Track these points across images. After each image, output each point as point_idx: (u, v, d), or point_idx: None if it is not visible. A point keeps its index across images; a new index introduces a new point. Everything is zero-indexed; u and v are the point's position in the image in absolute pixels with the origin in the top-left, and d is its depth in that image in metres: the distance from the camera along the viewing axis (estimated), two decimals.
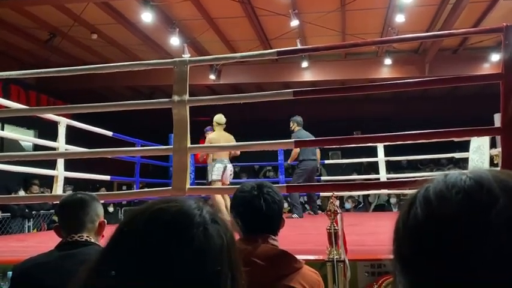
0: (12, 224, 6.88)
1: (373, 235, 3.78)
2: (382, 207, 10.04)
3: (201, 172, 8.51)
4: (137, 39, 8.73)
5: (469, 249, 0.49)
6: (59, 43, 8.64)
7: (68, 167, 4.88)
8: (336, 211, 2.09)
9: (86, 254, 1.60)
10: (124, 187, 11.35)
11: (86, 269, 0.67)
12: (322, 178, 8.41)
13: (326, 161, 8.87)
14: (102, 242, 1.71)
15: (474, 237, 0.50)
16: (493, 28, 3.08)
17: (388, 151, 6.54)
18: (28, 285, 1.62)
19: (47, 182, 7.10)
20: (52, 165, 4.67)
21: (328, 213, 2.10)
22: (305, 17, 7.70)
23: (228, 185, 5.72)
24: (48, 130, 6.37)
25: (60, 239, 1.76)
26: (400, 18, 7.18)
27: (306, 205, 7.73)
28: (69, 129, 4.96)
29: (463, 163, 6.93)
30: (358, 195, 9.87)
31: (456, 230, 0.50)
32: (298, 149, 6.37)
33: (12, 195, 6.70)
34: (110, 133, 5.98)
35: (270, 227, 1.56)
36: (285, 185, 4.39)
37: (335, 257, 2.00)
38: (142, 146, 7.16)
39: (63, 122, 4.83)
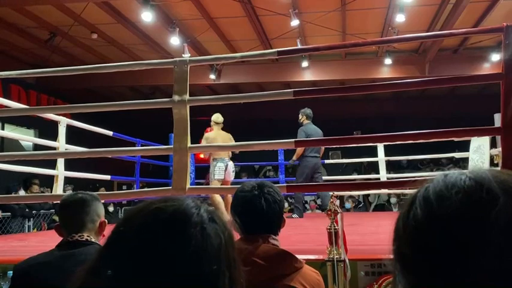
0: (12, 223, 6.88)
1: (374, 235, 3.79)
2: (382, 207, 10.05)
3: (201, 172, 8.53)
4: (137, 38, 8.73)
5: (469, 249, 0.50)
6: (59, 43, 8.64)
7: (68, 167, 4.89)
8: (336, 211, 2.10)
9: (86, 254, 1.60)
10: (124, 187, 11.35)
11: (83, 268, 0.66)
12: (323, 178, 8.40)
13: (326, 161, 8.86)
14: (103, 242, 1.71)
15: (474, 237, 0.50)
16: (493, 28, 3.08)
17: (388, 151, 6.53)
18: (28, 285, 1.62)
19: (47, 182, 7.11)
20: (52, 164, 4.67)
21: (329, 212, 2.10)
22: (305, 17, 7.70)
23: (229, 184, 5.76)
24: (48, 130, 6.38)
25: (61, 239, 1.77)
26: (400, 18, 7.18)
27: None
28: (70, 128, 4.96)
29: (463, 163, 6.94)
30: (358, 195, 9.87)
31: (456, 230, 0.51)
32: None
33: (13, 194, 6.70)
34: (110, 133, 5.98)
35: (271, 226, 1.56)
36: (285, 184, 4.39)
37: (335, 256, 2.00)
38: (142, 145, 7.17)
39: (63, 122, 4.83)
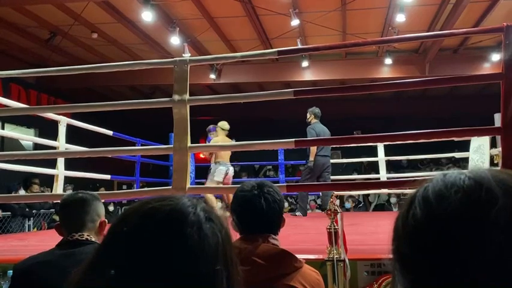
0: (12, 223, 6.88)
1: (373, 235, 3.78)
2: (382, 206, 10.05)
3: (201, 172, 8.53)
4: (137, 38, 8.73)
5: (468, 248, 0.50)
6: (59, 42, 8.64)
7: (68, 166, 4.89)
8: (336, 210, 2.10)
9: (86, 253, 1.60)
10: (124, 186, 11.36)
11: (80, 268, 0.66)
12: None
13: None
14: None
15: (473, 237, 0.50)
16: (493, 28, 3.09)
17: (388, 151, 6.53)
18: (28, 284, 1.62)
19: (48, 181, 7.10)
20: (52, 164, 4.67)
21: (329, 212, 2.10)
22: (305, 17, 7.70)
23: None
24: (48, 129, 6.38)
25: (61, 238, 1.77)
26: (400, 18, 7.17)
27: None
28: (70, 128, 4.96)
29: (463, 163, 6.93)
30: (358, 195, 9.86)
31: (455, 230, 0.51)
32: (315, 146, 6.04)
33: (13, 194, 6.70)
34: (110, 132, 5.98)
35: (271, 226, 1.56)
36: (285, 184, 4.39)
37: (335, 256, 2.00)
38: (142, 145, 7.17)
39: (63, 121, 4.83)
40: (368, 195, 10.13)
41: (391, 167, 9.74)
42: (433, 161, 10.74)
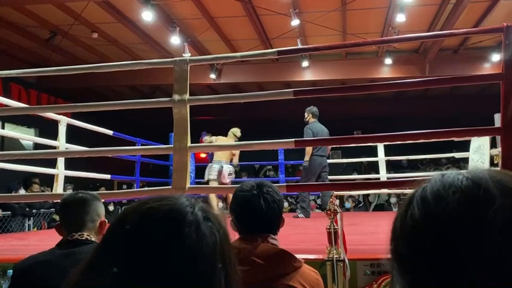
0: (12, 222, 6.88)
1: (373, 235, 3.78)
2: (382, 206, 10.05)
3: (201, 171, 8.53)
4: (138, 38, 8.73)
5: (466, 248, 0.50)
6: (59, 42, 8.64)
7: (68, 166, 4.89)
8: (336, 210, 2.10)
9: (86, 253, 1.59)
10: (124, 186, 11.35)
11: (79, 267, 0.66)
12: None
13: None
14: None
15: (471, 237, 0.50)
16: (493, 28, 3.09)
17: (388, 151, 6.53)
18: (28, 284, 1.62)
19: (48, 181, 7.10)
20: (52, 164, 4.67)
21: (328, 212, 2.10)
22: (306, 17, 7.70)
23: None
24: (48, 129, 6.38)
25: (61, 238, 1.77)
26: (400, 18, 7.17)
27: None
28: (70, 128, 4.96)
29: (463, 163, 6.93)
30: (358, 195, 9.86)
31: (453, 230, 0.51)
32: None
33: (13, 193, 6.70)
34: (110, 132, 5.98)
35: (270, 226, 1.56)
36: (285, 184, 4.39)
37: (335, 256, 2.01)
38: (142, 145, 7.16)
39: (63, 121, 4.83)
40: (368, 195, 10.13)
41: (391, 167, 9.74)
42: (433, 161, 10.74)
